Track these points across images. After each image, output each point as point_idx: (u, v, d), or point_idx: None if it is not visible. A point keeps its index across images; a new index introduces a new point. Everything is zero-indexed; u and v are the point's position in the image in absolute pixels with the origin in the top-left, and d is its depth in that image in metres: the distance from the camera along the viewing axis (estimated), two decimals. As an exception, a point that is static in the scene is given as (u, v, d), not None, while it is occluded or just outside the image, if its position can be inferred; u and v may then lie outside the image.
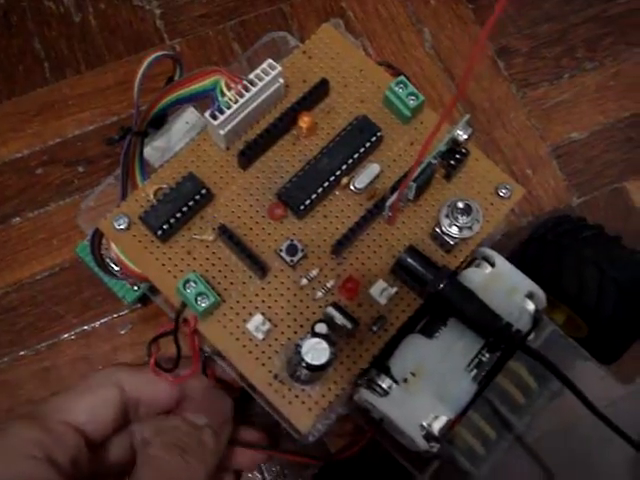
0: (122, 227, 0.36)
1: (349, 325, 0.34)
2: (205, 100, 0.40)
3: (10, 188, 0.50)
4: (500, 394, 0.40)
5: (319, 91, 0.38)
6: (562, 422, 0.41)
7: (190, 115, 0.45)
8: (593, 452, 0.41)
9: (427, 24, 0.54)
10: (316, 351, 0.32)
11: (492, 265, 0.37)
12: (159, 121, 0.41)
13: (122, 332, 0.46)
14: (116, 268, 0.40)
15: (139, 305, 0.47)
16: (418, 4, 0.54)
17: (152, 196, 0.37)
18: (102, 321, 0.47)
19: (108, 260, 0.41)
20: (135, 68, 0.52)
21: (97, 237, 0.39)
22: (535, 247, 0.44)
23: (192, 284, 0.34)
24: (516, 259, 0.40)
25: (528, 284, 0.37)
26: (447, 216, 0.36)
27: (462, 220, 0.35)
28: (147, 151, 0.41)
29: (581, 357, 0.42)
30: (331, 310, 0.34)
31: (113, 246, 0.38)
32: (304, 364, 0.32)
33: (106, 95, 0.52)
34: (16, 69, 0.53)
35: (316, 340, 0.32)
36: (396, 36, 0.53)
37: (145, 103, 0.38)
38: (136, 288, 0.44)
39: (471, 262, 0.38)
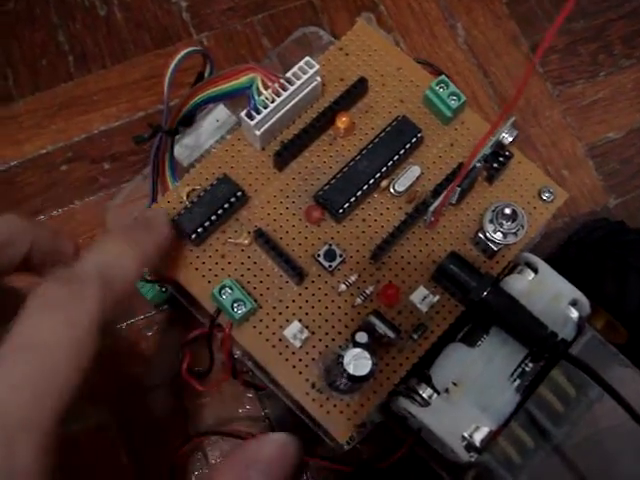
0: (154, 230, 0.35)
1: (392, 334, 0.33)
2: (236, 98, 0.39)
3: (34, 185, 0.49)
4: (538, 402, 0.39)
5: (357, 90, 0.37)
6: (600, 428, 0.40)
7: (220, 112, 0.44)
8: (631, 459, 0.40)
9: (460, 19, 0.52)
10: (358, 361, 0.31)
11: (535, 271, 0.36)
12: (189, 119, 0.40)
13: (149, 334, 0.46)
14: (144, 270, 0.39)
15: (166, 307, 0.46)
16: (451, -2, 0.53)
17: (185, 198, 0.36)
18: (128, 322, 0.46)
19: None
20: (162, 62, 0.52)
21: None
22: (574, 251, 0.43)
23: (228, 290, 0.33)
24: (554, 263, 0.39)
25: (572, 291, 0.36)
26: (491, 221, 0.35)
27: (507, 226, 0.34)
28: (176, 149, 0.40)
29: (621, 364, 0.41)
30: (373, 319, 0.33)
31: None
32: (346, 375, 0.31)
33: (132, 90, 0.51)
34: (39, 63, 0.52)
35: (358, 350, 0.31)
36: (428, 31, 0.52)
37: (174, 99, 0.37)
38: (164, 290, 0.43)
39: (513, 268, 0.37)
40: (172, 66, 0.38)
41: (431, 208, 0.34)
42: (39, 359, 0.23)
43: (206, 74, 0.41)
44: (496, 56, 0.51)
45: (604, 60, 0.52)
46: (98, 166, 0.49)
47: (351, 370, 0.31)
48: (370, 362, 0.31)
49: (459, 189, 0.34)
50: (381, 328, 0.33)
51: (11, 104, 0.51)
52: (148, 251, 0.30)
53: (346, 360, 0.31)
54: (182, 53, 0.38)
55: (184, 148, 0.44)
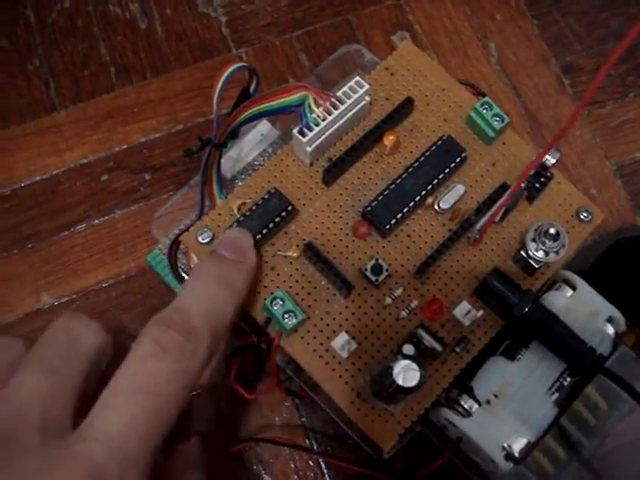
0: (206, 241, 0.36)
1: (438, 347, 0.34)
2: (279, 114, 0.40)
3: (75, 194, 0.50)
4: (571, 414, 0.40)
5: (404, 110, 0.38)
6: (630, 440, 0.41)
7: (263, 127, 0.46)
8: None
9: (492, 39, 0.54)
10: (407, 373, 0.32)
11: (573, 288, 0.37)
12: (235, 132, 0.41)
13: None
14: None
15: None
16: (483, 18, 0.54)
17: (236, 210, 0.37)
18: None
19: (180, 270, 0.42)
20: (201, 76, 0.53)
21: (175, 247, 0.39)
22: (608, 268, 0.44)
23: (279, 301, 0.34)
24: (585, 279, 0.41)
25: (609, 308, 0.38)
26: (534, 240, 0.36)
27: (549, 244, 0.36)
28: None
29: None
30: (421, 332, 0.34)
31: (194, 258, 0.38)
32: (395, 386, 0.32)
33: (172, 103, 0.52)
34: (81, 73, 0.53)
35: (407, 362, 0.32)
36: (462, 51, 0.53)
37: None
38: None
39: (551, 285, 0.38)
40: (221, 82, 0.39)
41: (478, 226, 0.35)
42: (153, 404, 0.25)
43: (251, 90, 0.42)
44: (528, 76, 0.53)
45: (633, 82, 0.53)
46: (139, 176, 0.50)
47: (400, 381, 0.31)
48: (419, 374, 0.32)
49: (504, 209, 0.35)
50: (428, 341, 0.34)
51: (53, 113, 0.52)
52: (243, 291, 0.32)
53: (395, 371, 0.32)
54: (230, 69, 0.39)
55: (227, 160, 0.45)
